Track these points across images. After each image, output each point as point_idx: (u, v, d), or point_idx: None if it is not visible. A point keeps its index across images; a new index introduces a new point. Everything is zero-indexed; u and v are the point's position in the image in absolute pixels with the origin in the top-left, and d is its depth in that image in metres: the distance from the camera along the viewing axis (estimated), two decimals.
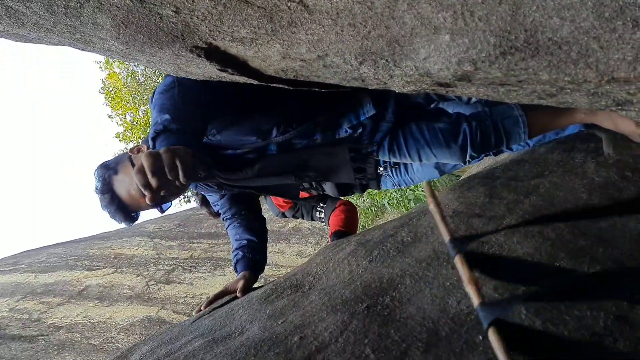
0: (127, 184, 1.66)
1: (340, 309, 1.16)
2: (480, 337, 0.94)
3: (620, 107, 0.89)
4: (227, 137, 1.74)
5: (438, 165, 2.04)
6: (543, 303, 0.98)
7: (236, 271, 2.04)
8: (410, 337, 0.98)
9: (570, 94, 0.86)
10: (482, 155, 1.81)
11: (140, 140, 10.80)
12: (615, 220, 1.21)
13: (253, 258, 1.94)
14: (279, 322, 1.21)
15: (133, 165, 1.67)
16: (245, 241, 2.01)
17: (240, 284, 1.79)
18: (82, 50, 1.33)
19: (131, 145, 10.91)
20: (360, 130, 1.84)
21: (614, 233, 1.17)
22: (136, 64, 10.37)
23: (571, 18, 0.66)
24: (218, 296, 1.82)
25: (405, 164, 2.14)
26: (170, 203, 1.73)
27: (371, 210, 6.26)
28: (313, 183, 1.95)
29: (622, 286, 1.00)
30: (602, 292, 1.00)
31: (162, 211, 1.75)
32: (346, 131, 1.82)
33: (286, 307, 1.32)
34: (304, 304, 1.29)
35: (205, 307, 1.77)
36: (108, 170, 1.71)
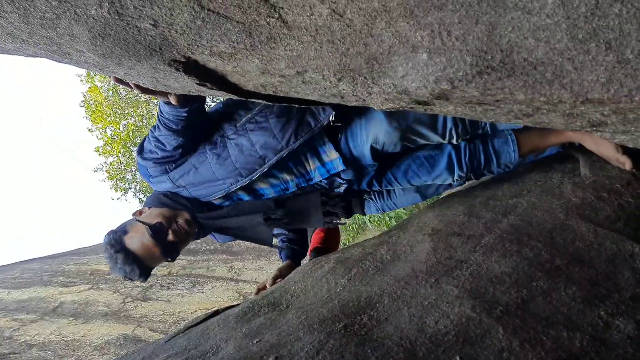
0: (139, 238, 1.77)
1: (317, 328, 1.14)
2: (458, 358, 0.93)
3: (595, 129, 0.90)
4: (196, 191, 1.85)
5: (419, 190, 2.05)
6: (520, 322, 0.98)
7: (281, 258, 2.32)
8: (388, 357, 0.97)
9: (547, 114, 0.87)
10: (473, 175, 1.83)
11: (119, 155, 10.72)
12: (591, 240, 1.22)
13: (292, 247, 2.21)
14: (255, 342, 1.19)
15: (141, 222, 1.79)
16: (286, 232, 2.27)
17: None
18: (59, 62, 1.31)
19: (111, 159, 10.79)
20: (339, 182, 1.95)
21: (590, 253, 1.18)
22: None
23: (546, 39, 0.67)
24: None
25: (388, 190, 2.15)
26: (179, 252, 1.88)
27: (352, 227, 6.25)
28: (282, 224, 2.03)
29: (597, 307, 1.01)
30: (578, 312, 1.00)
31: (173, 259, 1.86)
32: (322, 182, 1.91)
33: (262, 326, 1.29)
34: (281, 322, 1.27)
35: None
36: (116, 233, 1.81)
